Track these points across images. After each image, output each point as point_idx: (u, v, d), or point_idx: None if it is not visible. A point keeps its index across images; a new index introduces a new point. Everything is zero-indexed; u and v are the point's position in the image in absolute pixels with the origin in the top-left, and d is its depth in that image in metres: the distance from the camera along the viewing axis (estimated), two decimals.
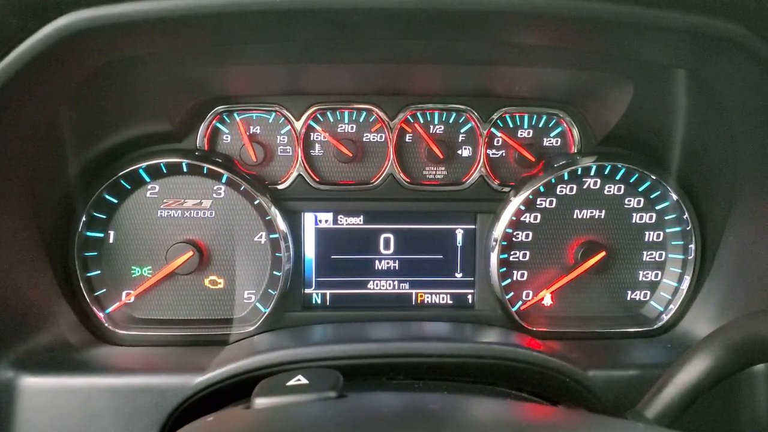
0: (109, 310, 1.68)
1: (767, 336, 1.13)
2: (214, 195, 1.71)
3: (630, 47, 1.31)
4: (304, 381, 1.12)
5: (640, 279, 1.80)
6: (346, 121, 1.75)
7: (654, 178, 1.71)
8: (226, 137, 1.73)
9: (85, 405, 1.36)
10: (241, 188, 1.68)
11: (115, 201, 1.67)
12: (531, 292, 1.79)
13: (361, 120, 1.76)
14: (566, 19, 1.12)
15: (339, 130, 1.75)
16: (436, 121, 1.77)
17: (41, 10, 1.06)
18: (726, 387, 1.35)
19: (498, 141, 1.78)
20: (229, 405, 1.30)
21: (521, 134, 1.78)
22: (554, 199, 1.76)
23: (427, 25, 1.19)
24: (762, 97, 1.32)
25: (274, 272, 1.72)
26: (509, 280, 1.78)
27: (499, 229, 1.73)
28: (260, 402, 1.07)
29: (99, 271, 1.68)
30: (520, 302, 1.79)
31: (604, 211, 1.76)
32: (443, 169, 1.78)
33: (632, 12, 1.11)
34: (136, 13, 1.06)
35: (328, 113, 1.74)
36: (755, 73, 1.24)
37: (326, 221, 1.77)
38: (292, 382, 1.12)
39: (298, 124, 1.72)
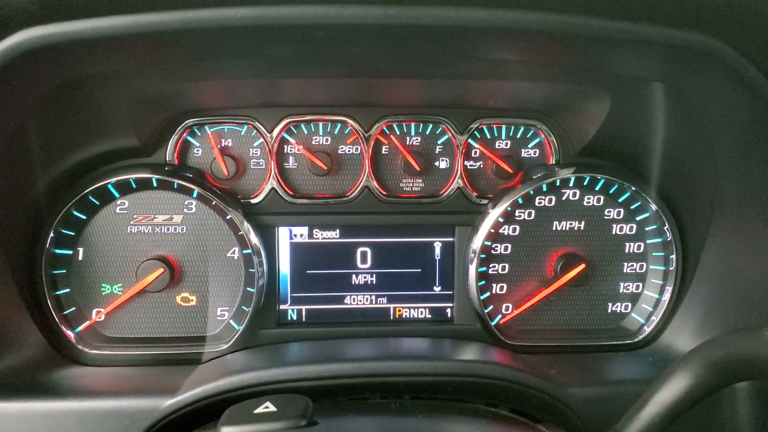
0: (79, 329, 1.65)
1: (748, 355, 1.12)
2: (185, 210, 1.68)
3: (605, 61, 1.30)
4: (272, 408, 1.09)
5: (621, 291, 1.79)
6: (321, 133, 1.73)
7: (633, 189, 1.71)
8: (197, 150, 1.71)
9: (52, 430, 1.33)
10: (213, 203, 1.66)
11: (84, 217, 1.64)
12: (510, 306, 1.78)
13: (335, 132, 1.74)
14: (538, 34, 1.10)
15: (313, 143, 1.73)
16: (412, 133, 1.75)
17: None
18: (708, 404, 1.37)
19: (475, 152, 1.77)
20: (198, 429, 1.27)
21: (499, 145, 1.77)
22: (533, 211, 1.75)
23: (393, 41, 1.16)
24: (740, 110, 1.31)
25: (248, 288, 1.69)
26: (488, 294, 1.76)
27: (478, 241, 1.72)
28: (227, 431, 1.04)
29: (68, 289, 1.65)
30: (500, 316, 1.77)
31: (583, 222, 1.76)
32: (420, 181, 1.77)
33: (607, 26, 1.09)
34: (92, 30, 1.04)
35: (302, 125, 1.72)
36: (733, 87, 1.24)
37: (301, 235, 1.75)
38: (259, 410, 1.09)
39: (271, 137, 1.70)
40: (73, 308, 1.65)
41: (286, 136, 1.72)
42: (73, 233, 1.64)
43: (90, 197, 1.62)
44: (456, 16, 1.04)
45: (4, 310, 1.49)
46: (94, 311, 1.67)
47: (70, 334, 1.63)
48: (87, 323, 1.66)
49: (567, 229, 1.75)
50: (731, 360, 1.13)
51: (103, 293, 1.67)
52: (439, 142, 1.76)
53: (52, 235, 1.59)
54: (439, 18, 1.05)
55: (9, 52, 1.05)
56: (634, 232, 1.77)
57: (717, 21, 1.10)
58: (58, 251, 1.62)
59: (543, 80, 1.53)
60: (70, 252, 1.65)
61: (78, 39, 1.04)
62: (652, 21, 1.10)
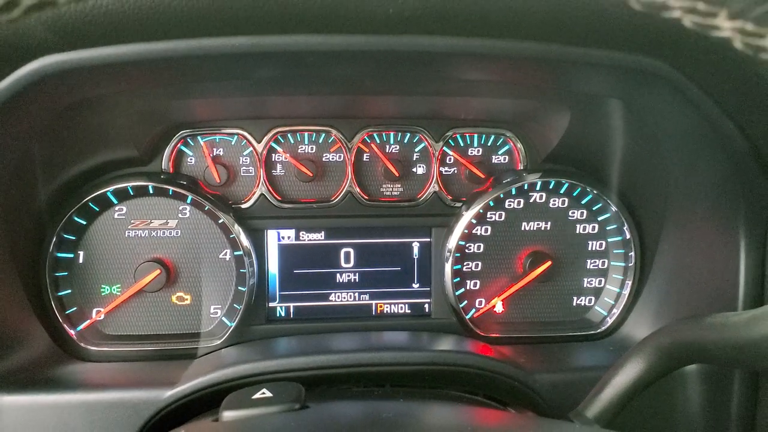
0: (80, 327, 1.71)
1: (691, 341, 1.23)
2: (180, 215, 1.76)
3: (564, 80, 1.40)
4: (268, 394, 1.17)
5: (584, 285, 1.89)
6: (306, 142, 1.81)
7: (595, 192, 1.80)
8: (191, 159, 1.78)
9: (61, 421, 1.41)
10: (206, 208, 1.73)
11: (84, 223, 1.71)
12: (483, 300, 1.87)
13: (320, 141, 1.82)
14: (504, 59, 1.21)
15: (299, 151, 1.81)
16: (391, 141, 1.84)
17: (14, 55, 1.12)
18: (662, 388, 1.45)
19: (450, 159, 1.86)
20: (199, 416, 1.34)
21: (471, 152, 1.86)
22: (503, 213, 1.84)
23: (375, 64, 1.27)
24: (686, 123, 1.41)
25: (239, 287, 1.77)
26: (463, 290, 1.86)
27: (453, 241, 1.81)
28: (228, 415, 1.13)
29: (70, 290, 1.71)
30: (474, 310, 1.87)
31: (549, 222, 1.85)
32: (399, 186, 1.85)
33: (564, 51, 1.19)
34: (105, 57, 1.12)
35: (289, 135, 1.80)
36: (678, 103, 1.33)
37: (289, 238, 1.83)
38: (257, 396, 1.17)
39: (260, 146, 1.78)
40: (75, 308, 1.72)
41: (274, 145, 1.80)
42: (74, 238, 1.70)
43: (90, 204, 1.68)
44: (431, 43, 1.15)
45: (12, 310, 1.56)
46: (95, 311, 1.74)
47: (72, 332, 1.69)
48: (88, 322, 1.72)
49: (534, 229, 1.85)
50: (677, 346, 1.24)
51: (103, 294, 1.74)
52: (416, 150, 1.85)
53: (54, 239, 1.65)
54: (416, 45, 1.15)
55: (29, 78, 1.14)
56: (596, 231, 1.87)
57: (663, 46, 1.20)
58: (60, 255, 1.69)
59: (509, 96, 1.64)
60: (72, 255, 1.71)
61: (91, 65, 1.13)
62: (605, 46, 1.20)
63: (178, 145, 1.77)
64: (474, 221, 1.83)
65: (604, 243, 1.88)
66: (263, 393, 1.18)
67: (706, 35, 0.56)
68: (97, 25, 1.04)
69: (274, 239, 1.84)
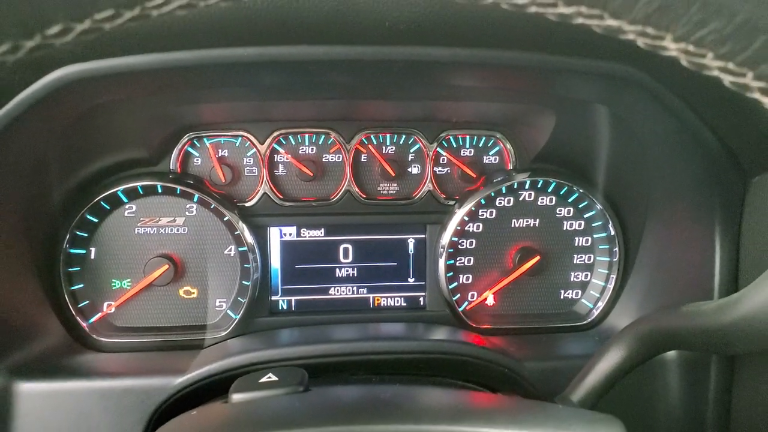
0: (92, 320, 1.78)
1: (668, 329, 1.30)
2: (187, 213, 1.82)
3: (547, 86, 1.49)
4: (274, 378, 1.24)
5: (571, 279, 1.95)
6: (307, 143, 1.88)
7: (581, 190, 1.87)
8: (197, 160, 1.85)
9: (76, 406, 1.48)
10: (212, 206, 1.79)
11: (96, 220, 1.77)
12: (475, 294, 1.93)
13: (320, 142, 1.89)
14: (490, 66, 1.30)
15: (300, 152, 1.88)
16: (388, 143, 1.91)
17: (40, 64, 1.21)
18: (642, 374, 1.52)
19: (443, 159, 1.93)
20: (208, 402, 1.41)
21: (464, 153, 1.93)
22: (494, 211, 1.91)
23: (372, 72, 1.36)
24: (665, 127, 1.49)
25: (243, 282, 1.83)
26: (456, 283, 1.92)
27: (446, 237, 1.87)
28: (237, 397, 1.20)
29: (82, 285, 1.77)
30: (466, 303, 1.93)
31: (538, 220, 1.92)
32: (395, 185, 1.92)
33: (545, 60, 1.28)
34: (122, 66, 1.21)
35: (290, 137, 1.87)
36: (655, 107, 1.41)
37: (290, 234, 1.90)
38: (264, 380, 1.24)
39: (263, 147, 1.85)
40: (87, 301, 1.77)
41: (276, 146, 1.86)
42: (86, 235, 1.76)
43: (102, 203, 1.74)
44: (425, 53, 1.23)
45: (29, 303, 1.63)
46: (106, 304, 1.80)
47: (84, 324, 1.75)
48: (99, 315, 1.78)
49: (524, 226, 1.92)
50: (655, 333, 1.32)
51: (113, 288, 1.80)
52: (411, 151, 1.91)
53: (68, 236, 1.72)
54: (411, 55, 1.24)
55: (51, 86, 1.22)
56: (582, 227, 1.93)
57: (637, 54, 1.28)
58: (73, 251, 1.75)
59: (499, 101, 1.71)
60: (84, 251, 1.77)
61: (110, 73, 1.22)
62: (586, 56, 1.30)
63: (186, 146, 1.84)
64: (466, 218, 1.89)
65: (589, 239, 1.95)
66: (269, 377, 1.26)
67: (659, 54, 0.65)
68: (120, 39, 1.13)
69: (277, 236, 1.90)
